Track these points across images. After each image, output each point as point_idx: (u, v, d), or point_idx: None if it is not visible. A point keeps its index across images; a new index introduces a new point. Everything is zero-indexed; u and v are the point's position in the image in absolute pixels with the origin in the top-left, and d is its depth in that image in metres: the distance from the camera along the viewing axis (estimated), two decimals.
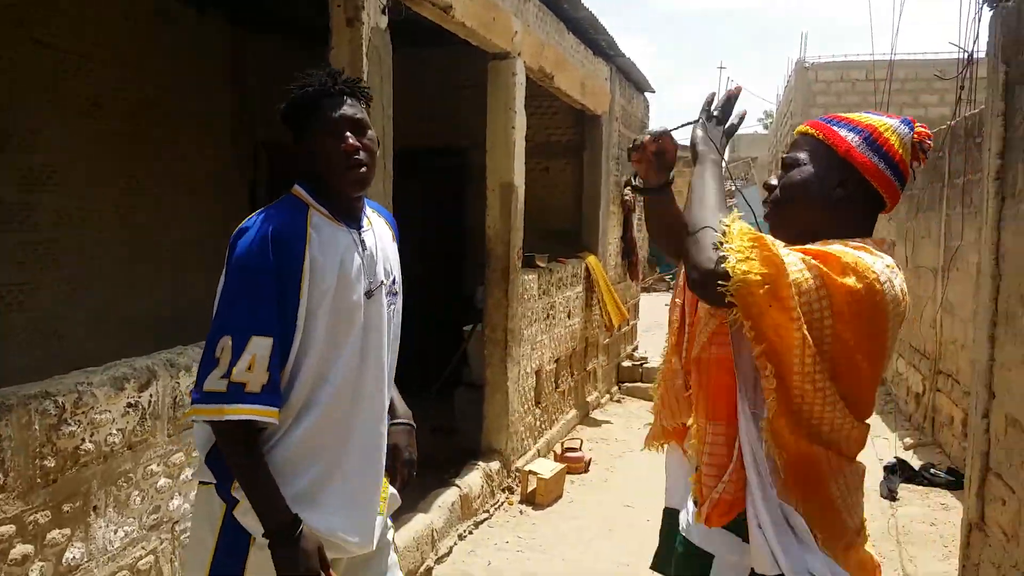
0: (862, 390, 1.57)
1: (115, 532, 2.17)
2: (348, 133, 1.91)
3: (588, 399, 7.66)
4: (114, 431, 2.15)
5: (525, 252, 5.82)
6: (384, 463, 2.02)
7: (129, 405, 2.21)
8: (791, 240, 1.66)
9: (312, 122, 1.94)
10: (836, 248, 1.53)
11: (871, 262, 1.52)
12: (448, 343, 7.02)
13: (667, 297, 17.05)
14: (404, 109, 4.29)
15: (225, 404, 1.71)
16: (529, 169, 5.85)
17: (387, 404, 2.07)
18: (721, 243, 1.50)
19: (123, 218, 6.01)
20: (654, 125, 1.91)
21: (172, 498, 2.37)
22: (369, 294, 1.94)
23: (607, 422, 7.52)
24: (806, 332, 1.46)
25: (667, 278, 19.14)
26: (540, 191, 7.77)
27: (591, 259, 7.63)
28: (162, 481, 2.33)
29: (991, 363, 3.45)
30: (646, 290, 16.52)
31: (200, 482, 1.88)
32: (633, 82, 9.40)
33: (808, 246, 1.57)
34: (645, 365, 8.89)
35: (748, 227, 1.54)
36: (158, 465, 2.32)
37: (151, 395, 2.28)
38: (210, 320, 1.81)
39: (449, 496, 4.57)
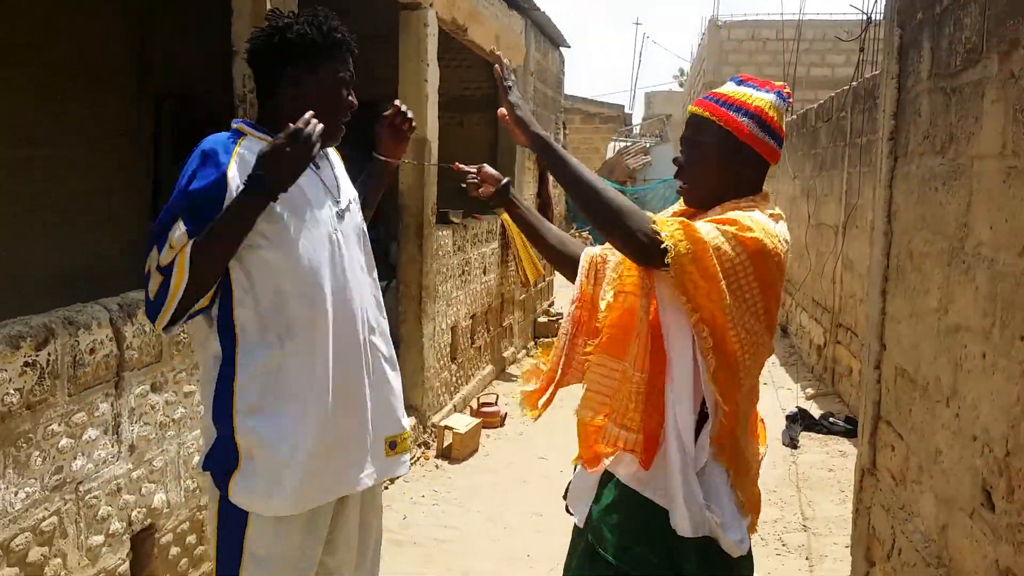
0: (772, 325, 1.89)
1: (15, 494, 2.12)
2: (346, 91, 2.11)
3: (504, 355, 7.74)
4: (11, 391, 2.10)
5: (440, 208, 5.81)
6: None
7: (26, 364, 2.15)
8: (700, 205, 2.01)
9: (312, 70, 2.01)
10: (736, 214, 1.84)
11: (761, 219, 1.85)
12: None
13: None
14: None
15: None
16: (443, 123, 5.81)
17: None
18: (654, 222, 1.76)
19: (18, 170, 5.75)
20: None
21: (75, 459, 2.33)
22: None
23: None
24: (727, 289, 1.75)
25: (584, 234, 19.33)
26: (455, 146, 7.72)
27: (506, 215, 7.65)
28: (64, 441, 2.29)
29: (882, 316, 3.62)
30: None
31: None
32: (548, 37, 9.38)
33: (718, 216, 1.85)
34: (561, 320, 9.02)
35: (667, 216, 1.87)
36: (59, 425, 2.27)
37: (49, 354, 2.23)
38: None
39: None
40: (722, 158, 1.97)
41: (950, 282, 2.73)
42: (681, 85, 34.51)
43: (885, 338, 3.55)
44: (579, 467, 2.09)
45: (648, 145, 22.12)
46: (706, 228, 1.77)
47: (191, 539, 2.88)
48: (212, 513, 2.02)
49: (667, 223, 1.76)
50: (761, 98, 1.98)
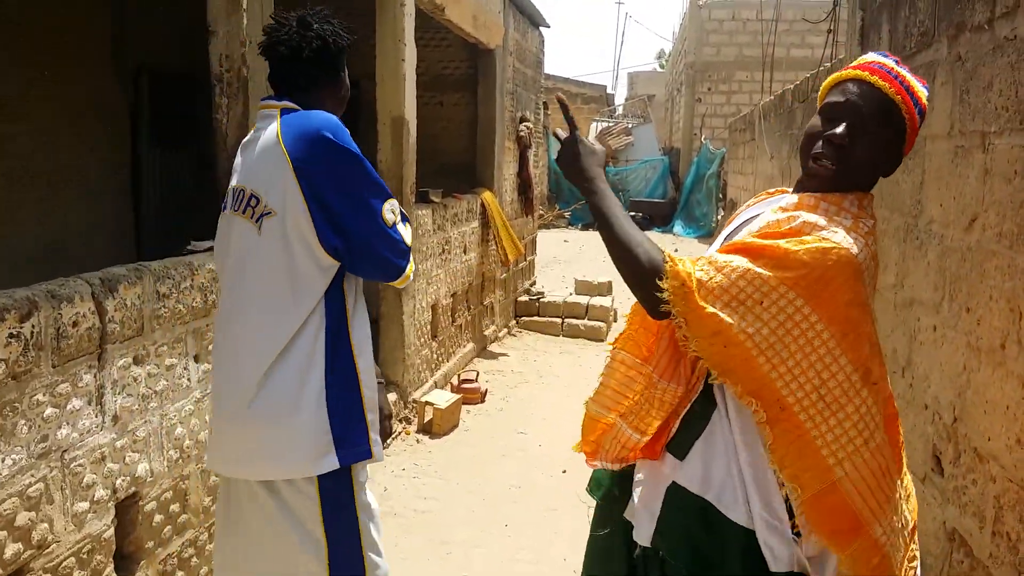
0: (863, 362, 1.56)
1: (3, 460, 2.20)
2: None
3: (485, 333, 7.83)
4: None
5: (419, 187, 5.87)
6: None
7: (11, 336, 2.22)
8: (821, 187, 1.66)
9: (345, 71, 2.35)
10: (793, 244, 1.54)
11: (839, 239, 1.55)
12: None
13: (566, 234, 17.41)
14: None
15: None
16: (423, 103, 5.87)
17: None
18: (658, 283, 1.54)
19: None
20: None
21: (60, 428, 2.40)
22: None
23: (504, 355, 7.73)
24: (768, 346, 1.50)
25: (566, 215, 19.40)
26: (434, 126, 7.78)
27: (487, 195, 7.73)
28: (49, 411, 2.36)
29: None
30: (545, 227, 16.76)
31: (284, 481, 2.14)
32: (527, 16, 9.41)
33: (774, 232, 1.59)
34: (542, 299, 9.12)
35: (684, 271, 1.56)
36: (44, 395, 2.35)
37: (33, 326, 2.29)
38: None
39: None
40: (890, 158, 1.69)
41: (906, 258, 2.84)
42: (662, 66, 34.54)
43: None
44: (640, 476, 1.80)
45: (631, 125, 22.19)
46: (722, 279, 1.52)
47: (175, 507, 2.97)
48: (315, 495, 2.14)
49: (672, 282, 1.53)
50: (924, 94, 1.66)
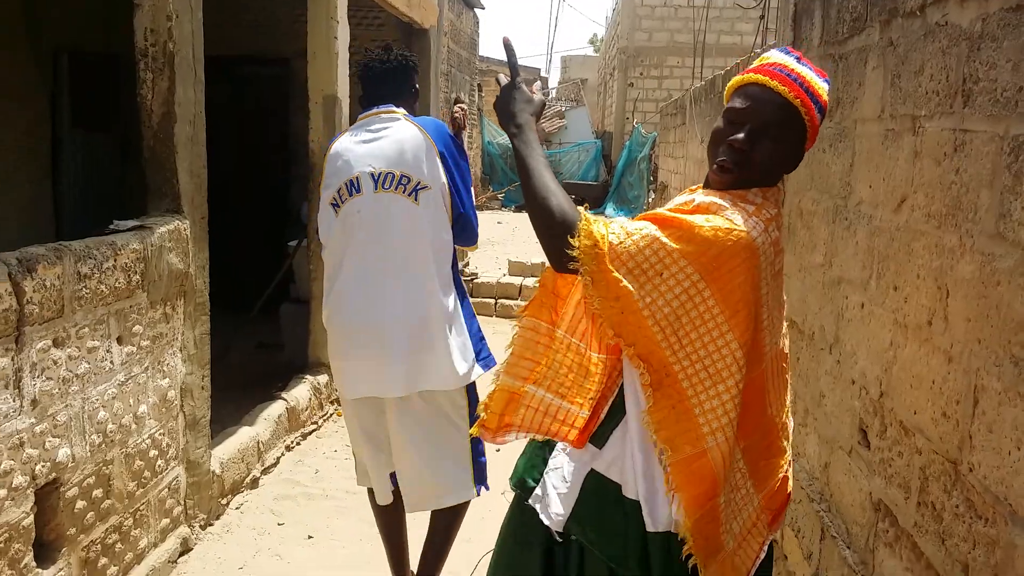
0: (745, 338, 1.61)
1: None
2: None
3: None
4: None
5: None
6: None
7: None
8: (746, 185, 1.72)
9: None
10: (700, 219, 1.59)
11: (741, 222, 1.60)
12: (272, 259, 6.91)
13: (499, 215, 17.38)
14: (226, 15, 4.11)
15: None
16: (355, 83, 5.76)
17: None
18: (570, 240, 1.56)
19: None
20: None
21: None
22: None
23: None
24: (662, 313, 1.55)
25: (499, 196, 19.39)
26: None
27: None
28: None
29: None
30: (478, 208, 16.69)
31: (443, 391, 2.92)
32: None
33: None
34: (476, 280, 9.10)
35: (597, 228, 1.58)
36: None
37: None
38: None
39: (275, 409, 4.59)
40: (791, 157, 1.76)
41: (834, 238, 2.91)
42: (596, 50, 34.69)
43: None
44: (557, 463, 1.85)
45: (564, 108, 22.25)
46: (634, 240, 1.55)
47: (98, 493, 2.87)
48: (464, 398, 2.97)
49: (584, 241, 1.55)
50: (825, 90, 1.73)
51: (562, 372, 1.80)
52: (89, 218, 5.75)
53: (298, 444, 4.77)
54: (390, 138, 2.88)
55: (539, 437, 1.88)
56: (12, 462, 2.43)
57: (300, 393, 4.92)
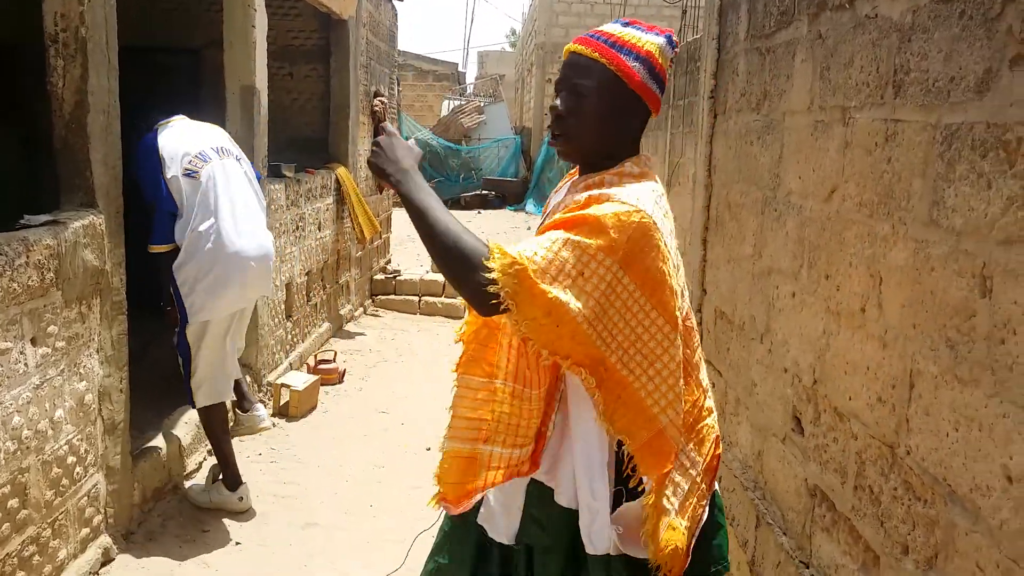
0: (673, 318, 1.65)
1: None
2: None
3: (342, 312, 7.65)
4: None
5: (270, 161, 5.63)
6: None
7: None
8: (587, 164, 1.79)
9: None
10: (593, 210, 1.60)
11: (625, 201, 1.61)
12: None
13: None
14: (138, 2, 3.94)
15: None
16: (271, 74, 5.61)
17: None
18: (486, 266, 1.51)
19: None
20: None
21: None
22: None
23: (361, 334, 7.58)
24: (596, 317, 1.56)
25: None
26: (284, 98, 7.50)
27: (341, 170, 7.51)
28: None
29: (703, 263, 3.87)
30: (398, 205, 16.54)
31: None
32: None
33: (573, 212, 1.63)
34: (398, 278, 9.00)
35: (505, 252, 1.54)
36: None
37: None
38: None
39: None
40: (608, 107, 1.73)
41: (763, 229, 2.95)
42: (513, 45, 34.77)
43: (706, 283, 3.80)
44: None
45: (483, 104, 22.22)
46: (544, 255, 1.54)
47: (13, 503, 2.71)
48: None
49: (501, 261, 1.51)
50: (651, 42, 1.75)
51: (513, 423, 1.73)
52: None
53: None
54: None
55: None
56: None
57: None
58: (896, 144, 1.94)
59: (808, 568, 2.34)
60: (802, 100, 2.59)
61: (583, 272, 1.54)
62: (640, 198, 1.63)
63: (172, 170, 3.68)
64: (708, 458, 1.79)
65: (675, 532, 1.65)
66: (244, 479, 3.98)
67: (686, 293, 1.82)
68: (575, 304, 1.53)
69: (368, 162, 1.72)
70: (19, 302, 2.75)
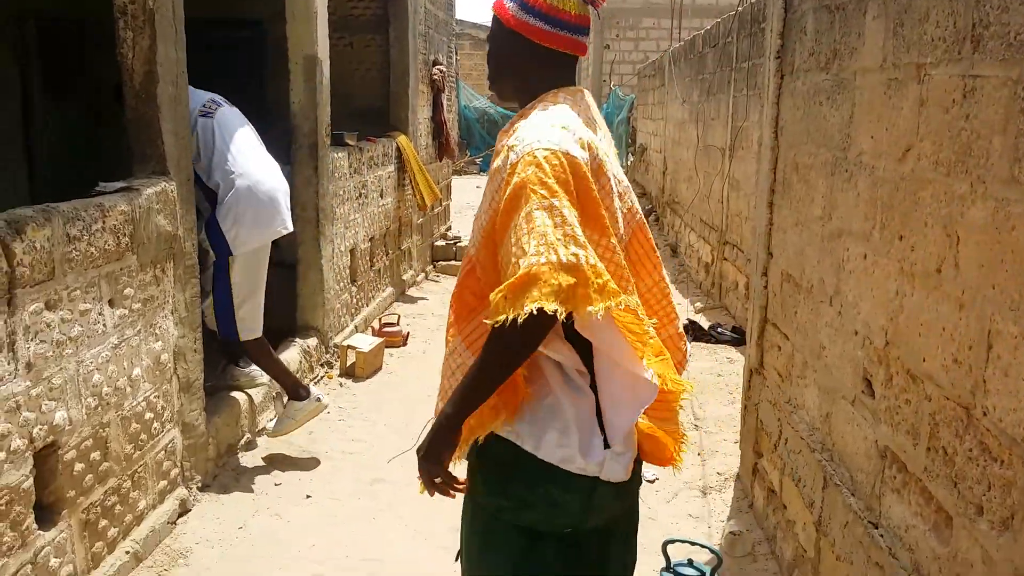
0: (604, 227, 1.72)
1: None
2: None
3: (404, 277, 7.75)
4: None
5: (333, 130, 5.70)
6: None
7: None
8: (517, 99, 1.93)
9: None
10: (521, 174, 1.65)
11: (545, 135, 1.69)
12: None
13: (478, 180, 17.27)
14: None
15: None
16: (332, 45, 5.66)
17: None
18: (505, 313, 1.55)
19: None
20: None
21: None
22: None
23: (423, 299, 7.67)
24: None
25: (477, 161, 19.26)
26: (344, 68, 7.55)
27: (402, 138, 7.57)
28: None
29: (769, 227, 3.81)
30: (456, 173, 16.59)
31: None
32: None
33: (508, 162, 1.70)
34: (458, 244, 9.06)
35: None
36: None
37: None
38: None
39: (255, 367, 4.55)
40: (499, 49, 1.90)
41: (833, 191, 2.90)
42: None
43: (772, 247, 3.74)
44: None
45: None
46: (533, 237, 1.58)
47: (95, 456, 2.84)
48: None
49: (510, 294, 1.55)
50: None
51: None
52: (64, 186, 5.64)
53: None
54: None
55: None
56: (9, 425, 2.39)
57: (290, 356, 4.88)
58: (975, 101, 1.89)
59: (877, 528, 2.32)
60: (874, 58, 2.52)
61: (560, 213, 1.59)
62: (540, 137, 1.68)
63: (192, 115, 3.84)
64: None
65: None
66: (314, 435, 4.11)
67: (630, 194, 1.91)
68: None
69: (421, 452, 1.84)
70: (97, 265, 2.85)
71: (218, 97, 4.10)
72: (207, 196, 3.90)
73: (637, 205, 1.94)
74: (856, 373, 2.56)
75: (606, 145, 1.88)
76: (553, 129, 1.72)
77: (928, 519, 2.03)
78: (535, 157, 1.65)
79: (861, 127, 2.65)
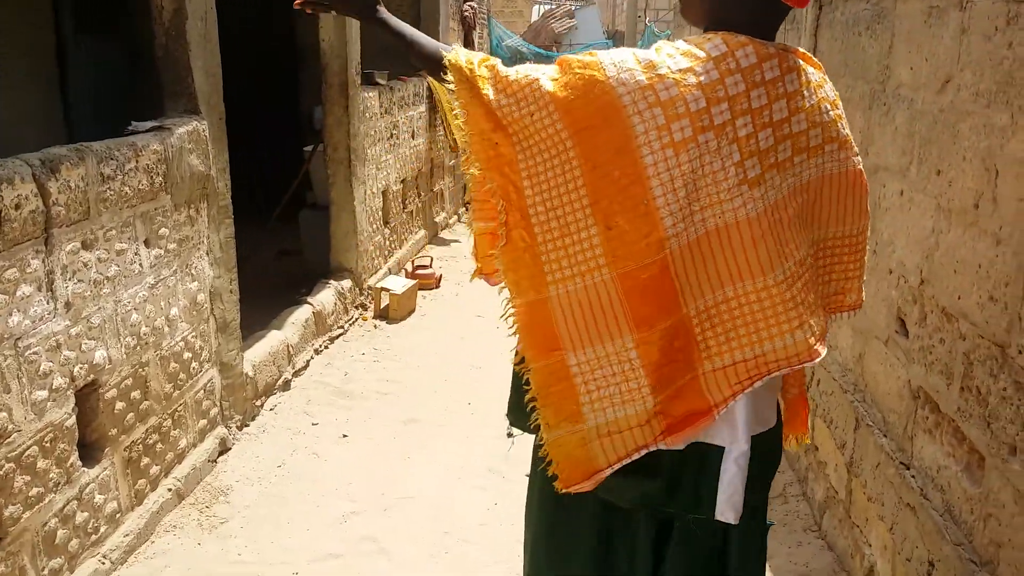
0: (611, 222, 1.43)
1: None
2: None
3: (436, 219, 7.74)
4: None
5: (364, 69, 5.65)
6: None
7: None
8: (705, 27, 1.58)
9: None
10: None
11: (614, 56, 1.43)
12: (287, 166, 6.84)
13: None
14: None
15: None
16: None
17: None
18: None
19: None
20: None
21: (11, 315, 2.30)
22: None
23: (456, 241, 7.68)
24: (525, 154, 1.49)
25: None
26: None
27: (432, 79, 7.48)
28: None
29: None
30: None
31: None
32: None
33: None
34: None
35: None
36: None
37: None
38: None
39: (302, 313, 4.62)
40: None
41: (871, 125, 2.83)
42: None
43: None
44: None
45: (574, 7, 21.64)
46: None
47: (136, 394, 2.91)
48: None
49: (455, 63, 1.51)
50: None
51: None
52: (100, 125, 5.67)
53: (326, 348, 4.81)
54: None
55: None
56: (51, 363, 2.45)
57: (325, 298, 4.94)
58: (1018, 27, 1.81)
59: (908, 469, 2.31)
60: None
61: (532, 114, 1.44)
62: (626, 69, 1.39)
63: None
64: (669, 398, 1.51)
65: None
66: (350, 376, 4.14)
67: (716, 215, 1.41)
68: (518, 122, 1.47)
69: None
70: (131, 205, 2.88)
71: None
72: None
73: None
74: (890, 313, 2.52)
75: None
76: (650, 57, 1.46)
77: (960, 459, 2.01)
78: (578, 60, 1.48)
79: (900, 58, 2.56)
